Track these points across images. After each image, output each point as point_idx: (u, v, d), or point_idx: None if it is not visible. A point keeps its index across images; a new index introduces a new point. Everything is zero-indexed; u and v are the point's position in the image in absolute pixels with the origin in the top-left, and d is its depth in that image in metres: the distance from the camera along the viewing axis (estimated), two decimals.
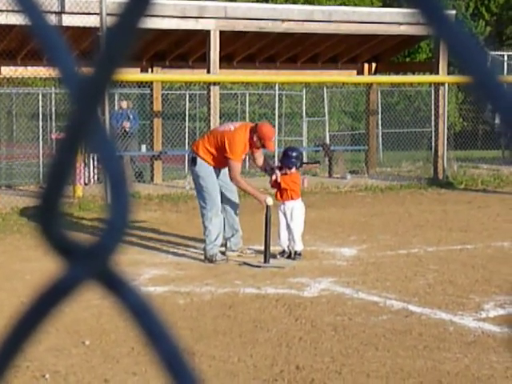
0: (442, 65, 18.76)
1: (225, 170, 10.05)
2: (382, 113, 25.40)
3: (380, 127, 25.47)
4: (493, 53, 24.09)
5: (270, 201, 9.81)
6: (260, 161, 10.28)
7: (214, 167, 10.00)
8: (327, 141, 23.88)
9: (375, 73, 21.14)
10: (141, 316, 0.62)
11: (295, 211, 10.04)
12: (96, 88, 0.60)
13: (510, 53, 24.15)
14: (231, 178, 9.87)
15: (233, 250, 10.21)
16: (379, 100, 24.13)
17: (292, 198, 10.07)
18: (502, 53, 24.12)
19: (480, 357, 6.25)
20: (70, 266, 0.63)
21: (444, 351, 6.40)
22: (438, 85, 19.00)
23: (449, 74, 18.89)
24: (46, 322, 0.66)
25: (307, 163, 10.81)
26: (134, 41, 0.59)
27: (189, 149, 24.69)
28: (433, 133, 19.74)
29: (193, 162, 10.12)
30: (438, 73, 18.86)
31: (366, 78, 20.72)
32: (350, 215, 13.88)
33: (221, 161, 9.93)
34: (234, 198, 10.18)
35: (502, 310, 7.62)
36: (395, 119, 26.11)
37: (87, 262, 0.62)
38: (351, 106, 29.08)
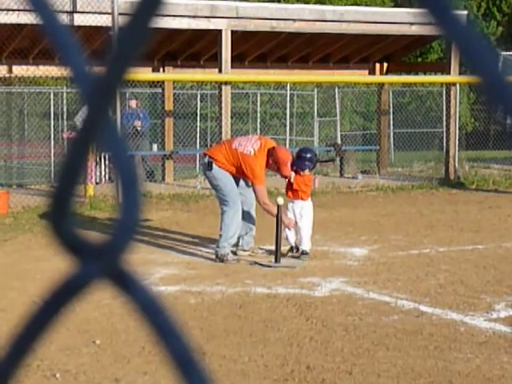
0: (454, 65, 18.71)
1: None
2: (393, 113, 25.36)
3: (391, 127, 25.43)
4: (505, 53, 24.03)
5: (280, 200, 9.80)
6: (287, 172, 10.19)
7: (229, 171, 10.08)
8: (338, 141, 23.85)
9: (387, 73, 21.11)
10: (152, 315, 0.62)
11: (304, 210, 10.03)
12: (108, 87, 0.60)
13: None
14: (259, 203, 9.92)
15: (244, 250, 10.21)
16: (391, 100, 24.09)
17: (302, 199, 10.06)
18: None
19: (491, 357, 6.24)
20: (81, 265, 0.63)
21: (455, 351, 6.39)
22: (449, 85, 18.96)
23: (460, 74, 18.84)
24: (58, 320, 0.66)
25: (322, 162, 10.77)
26: (145, 40, 0.59)
27: (200, 148, 24.71)
28: (444, 133, 19.69)
29: (209, 166, 10.09)
30: (449, 73, 18.81)
31: (377, 78, 20.69)
32: (361, 215, 13.86)
33: (240, 174, 10.03)
34: (252, 195, 10.16)
35: None
36: (407, 119, 26.06)
37: (98, 260, 0.63)
38: (363, 105, 29.04)
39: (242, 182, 10.21)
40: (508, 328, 7.03)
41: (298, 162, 10.12)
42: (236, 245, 10.18)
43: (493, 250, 10.68)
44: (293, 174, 10.05)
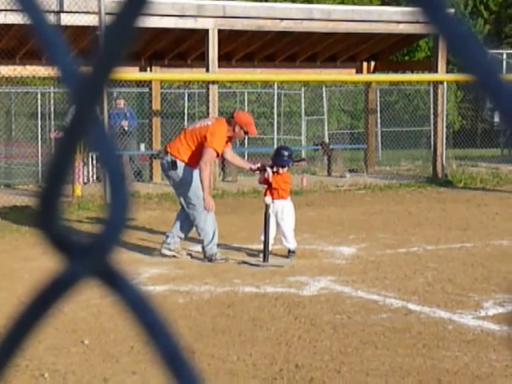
0: (441, 63, 18.76)
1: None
2: (380, 111, 25.41)
3: (379, 126, 25.48)
4: (492, 51, 24.07)
5: (268, 199, 9.81)
6: (229, 156, 10.26)
7: (195, 168, 9.83)
8: (326, 139, 23.88)
9: (374, 71, 21.15)
10: (141, 313, 0.62)
11: (286, 210, 10.03)
12: (95, 86, 0.60)
13: (509, 51, 24.14)
14: (200, 162, 9.65)
15: (170, 249, 10.05)
16: (378, 99, 24.13)
17: (282, 197, 10.05)
18: (501, 51, 24.12)
19: (479, 355, 6.26)
20: (70, 263, 0.63)
21: (443, 349, 6.41)
22: (436, 83, 19.00)
23: (448, 72, 18.89)
24: (46, 319, 0.66)
25: (294, 162, 10.78)
26: (132, 39, 0.59)
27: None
28: (432, 131, 19.74)
29: (173, 165, 9.86)
30: (436, 71, 18.86)
31: (364, 77, 20.72)
32: (349, 214, 13.88)
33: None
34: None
35: (501, 309, 7.63)
36: (394, 118, 26.11)
37: (86, 259, 0.63)
38: (350, 104, 29.08)
39: None
40: (496, 326, 7.05)
41: (277, 159, 10.16)
42: (164, 242, 10.05)
43: (480, 248, 10.72)
44: (271, 172, 10.06)
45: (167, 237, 10.07)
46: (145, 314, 0.62)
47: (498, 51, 24.21)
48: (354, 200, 15.95)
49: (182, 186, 9.94)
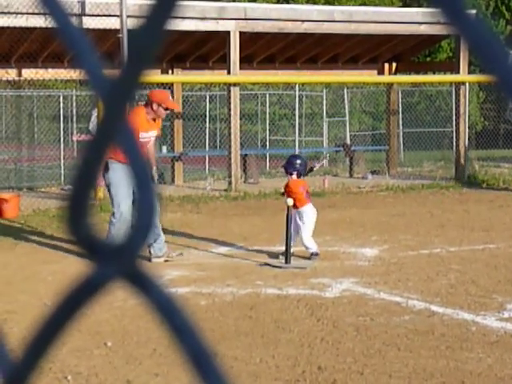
0: (463, 64, 18.69)
1: None
2: (402, 112, 25.33)
3: (401, 127, 25.41)
4: None
5: (290, 201, 9.79)
6: (147, 148, 9.87)
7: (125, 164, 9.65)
8: (348, 141, 23.85)
9: (396, 73, 21.10)
10: (169, 315, 0.62)
11: (304, 216, 9.99)
12: (124, 91, 0.60)
13: None
14: None
15: (158, 256, 9.94)
16: (400, 100, 24.06)
17: (296, 207, 9.96)
18: None
19: (503, 357, 6.22)
20: (98, 265, 0.64)
21: (466, 351, 6.38)
22: (458, 84, 18.93)
23: (469, 73, 18.81)
24: (75, 321, 0.67)
25: (312, 168, 10.77)
26: (161, 43, 0.59)
27: (210, 150, 24.71)
28: (454, 132, 19.66)
29: (105, 167, 9.54)
30: (458, 72, 18.79)
31: (386, 78, 20.67)
32: (371, 215, 13.84)
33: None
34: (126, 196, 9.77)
35: None
36: (416, 119, 26.04)
37: (115, 261, 0.63)
38: (372, 105, 29.02)
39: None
40: None
41: (285, 165, 10.29)
42: (149, 252, 9.85)
43: (504, 249, 10.66)
44: (290, 178, 10.18)
45: (149, 246, 9.88)
46: (173, 317, 0.63)
47: None
48: (375, 201, 15.91)
49: (109, 190, 9.91)
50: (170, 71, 18.97)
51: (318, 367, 6.01)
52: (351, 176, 19.64)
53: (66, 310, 0.65)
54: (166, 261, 9.95)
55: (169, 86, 19.79)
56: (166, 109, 9.94)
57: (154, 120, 9.94)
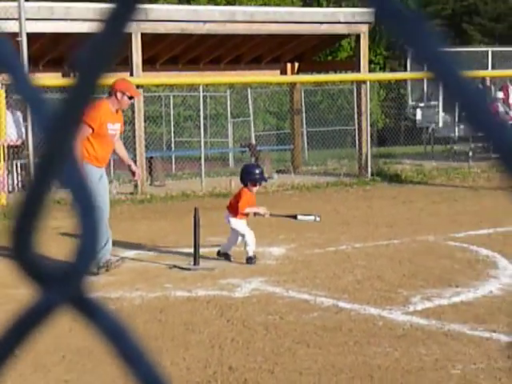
0: (363, 63, 18.99)
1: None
2: (306, 112, 25.60)
3: (305, 126, 25.67)
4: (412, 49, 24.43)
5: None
6: (117, 144, 9.87)
7: (100, 165, 9.50)
8: (253, 141, 23.97)
9: (298, 72, 21.30)
10: (117, 339, 0.63)
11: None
12: (81, 98, 0.61)
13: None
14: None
15: (99, 267, 9.36)
16: (303, 99, 24.31)
17: (234, 216, 10.00)
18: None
19: (409, 350, 6.36)
20: (44, 291, 0.64)
21: (374, 346, 6.49)
22: (360, 83, 19.22)
23: (370, 71, 19.13)
24: (20, 348, 0.67)
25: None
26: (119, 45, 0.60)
27: (114, 153, 24.43)
28: (356, 130, 19.97)
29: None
30: (359, 71, 19.08)
31: (289, 78, 20.85)
32: None
33: (100, 143, 9.46)
34: (107, 198, 9.64)
35: (429, 303, 7.76)
36: (319, 118, 26.33)
37: (61, 286, 0.63)
38: (275, 105, 29.21)
39: (105, 178, 9.74)
40: (425, 320, 7.18)
41: (248, 177, 10.15)
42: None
43: (407, 244, 10.88)
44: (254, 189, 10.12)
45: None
46: (120, 342, 0.63)
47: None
48: (282, 200, 16.04)
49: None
50: (71, 74, 18.71)
51: (228, 367, 6.03)
52: None
53: (13, 337, 0.65)
54: (106, 270, 9.41)
55: None
56: (130, 97, 9.79)
57: (117, 112, 9.79)
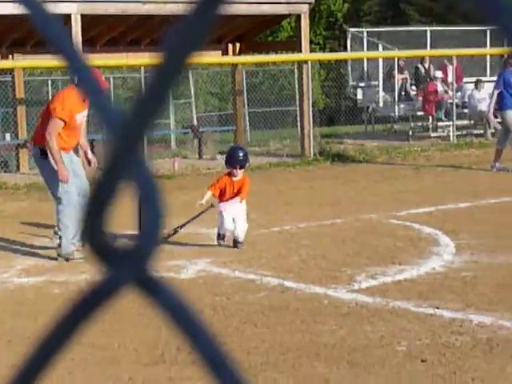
0: (304, 43, 19.05)
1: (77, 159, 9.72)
2: (247, 93, 25.59)
3: (246, 107, 25.66)
4: (352, 29, 24.60)
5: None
6: (82, 141, 9.75)
7: (67, 151, 9.37)
8: (195, 122, 23.92)
9: (239, 53, 21.28)
10: (181, 319, 0.64)
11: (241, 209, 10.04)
12: (167, 78, 0.62)
13: (368, 29, 24.71)
14: (45, 134, 9.11)
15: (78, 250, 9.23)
16: (244, 80, 24.30)
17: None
18: (361, 29, 24.66)
19: (355, 328, 6.45)
20: (111, 270, 0.65)
21: (320, 324, 6.58)
22: (301, 63, 19.28)
23: (311, 51, 19.20)
24: (83, 330, 0.67)
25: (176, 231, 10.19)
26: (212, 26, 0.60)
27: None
28: (298, 111, 20.04)
29: (42, 154, 9.23)
30: (300, 51, 19.13)
31: (230, 59, 20.82)
32: None
33: (69, 135, 9.31)
34: (86, 180, 9.53)
35: (373, 281, 7.87)
36: (261, 99, 26.35)
37: (127, 265, 0.64)
38: (217, 86, 29.16)
39: (75, 159, 9.63)
40: (370, 298, 7.28)
41: (233, 160, 10.17)
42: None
43: (350, 223, 11.00)
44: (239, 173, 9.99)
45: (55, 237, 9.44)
46: (185, 321, 0.64)
47: (357, 29, 24.73)
48: None
49: (50, 178, 9.36)
50: (10, 56, 18.47)
51: (176, 348, 6.06)
52: (200, 157, 19.73)
53: (78, 317, 0.66)
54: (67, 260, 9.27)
55: (10, 72, 19.28)
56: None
57: (84, 100, 9.62)
